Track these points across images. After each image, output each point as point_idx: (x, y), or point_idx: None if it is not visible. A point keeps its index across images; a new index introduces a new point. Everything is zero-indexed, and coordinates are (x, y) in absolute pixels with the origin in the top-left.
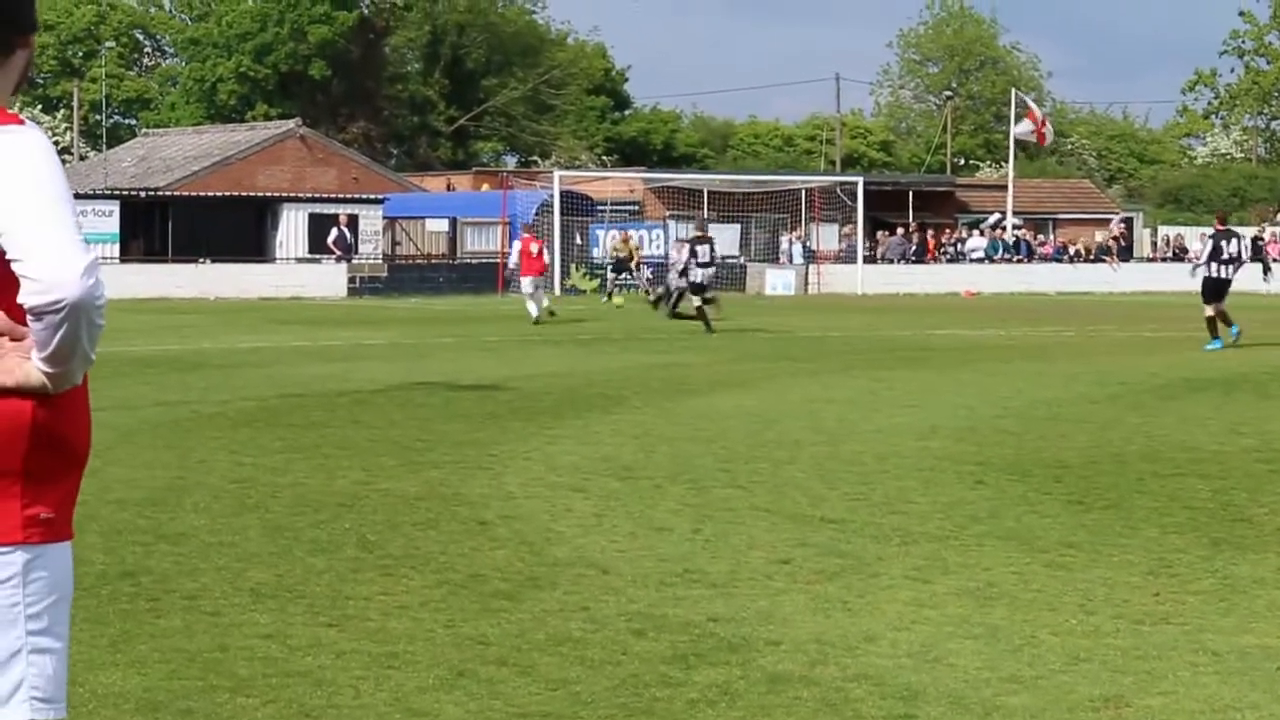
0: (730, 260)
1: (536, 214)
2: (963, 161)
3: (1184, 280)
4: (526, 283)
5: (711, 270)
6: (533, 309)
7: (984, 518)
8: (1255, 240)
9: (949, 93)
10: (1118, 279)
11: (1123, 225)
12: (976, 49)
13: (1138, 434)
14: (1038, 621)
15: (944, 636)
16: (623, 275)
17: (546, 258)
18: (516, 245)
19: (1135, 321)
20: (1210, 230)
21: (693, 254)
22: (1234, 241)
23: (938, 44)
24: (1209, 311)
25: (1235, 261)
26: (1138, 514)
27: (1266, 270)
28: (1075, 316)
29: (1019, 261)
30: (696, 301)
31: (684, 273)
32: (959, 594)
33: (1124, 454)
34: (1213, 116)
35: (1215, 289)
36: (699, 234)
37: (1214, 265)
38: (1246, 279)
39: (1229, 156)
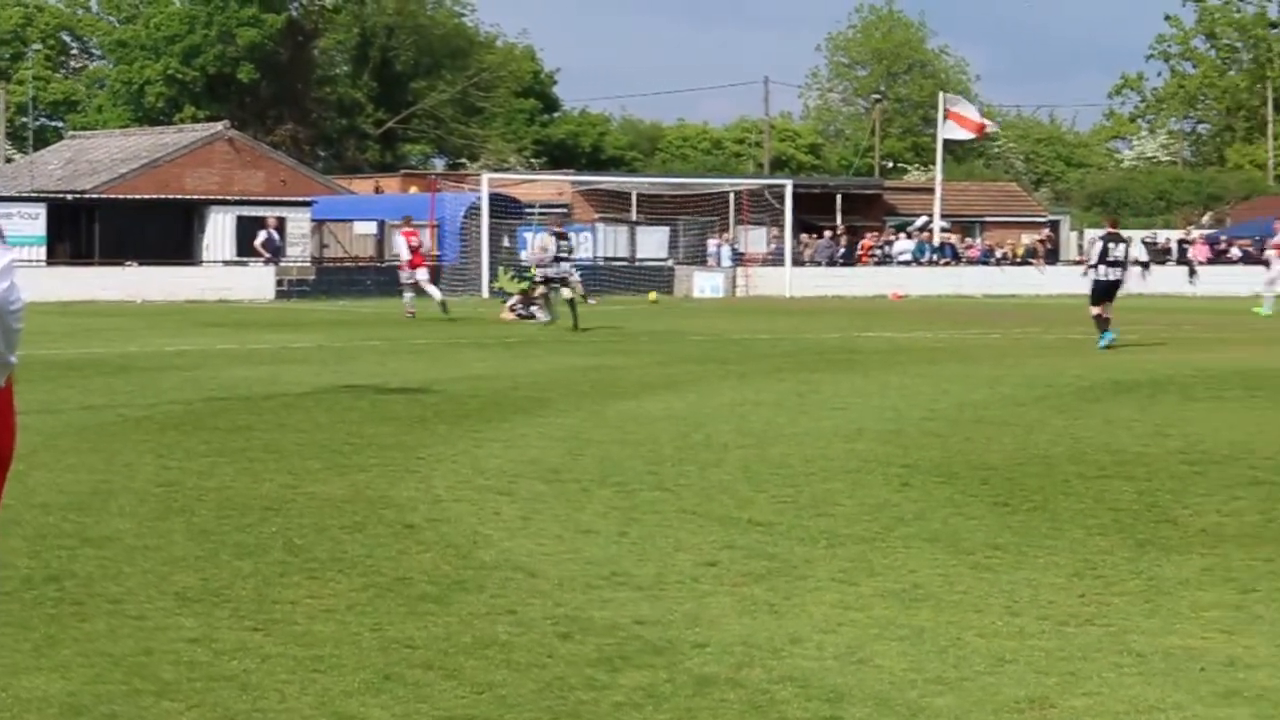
0: (659, 262)
1: (465, 216)
2: (891, 164)
3: None
4: (407, 276)
5: (566, 265)
6: (435, 294)
7: (910, 520)
8: (1181, 244)
9: (877, 96)
10: (1044, 281)
11: (1047, 231)
12: (905, 52)
13: (1063, 436)
14: (963, 623)
15: (870, 638)
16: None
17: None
18: (399, 240)
19: (1062, 324)
20: (1101, 232)
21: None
22: (1121, 245)
23: (866, 47)
24: (1095, 311)
25: (1122, 264)
26: (1063, 516)
27: (1192, 273)
28: (1002, 319)
29: (946, 264)
30: (568, 294)
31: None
32: (885, 596)
33: (1050, 456)
34: (1139, 120)
35: (1104, 290)
36: (557, 231)
37: (1102, 267)
38: (1173, 282)
39: (1155, 160)
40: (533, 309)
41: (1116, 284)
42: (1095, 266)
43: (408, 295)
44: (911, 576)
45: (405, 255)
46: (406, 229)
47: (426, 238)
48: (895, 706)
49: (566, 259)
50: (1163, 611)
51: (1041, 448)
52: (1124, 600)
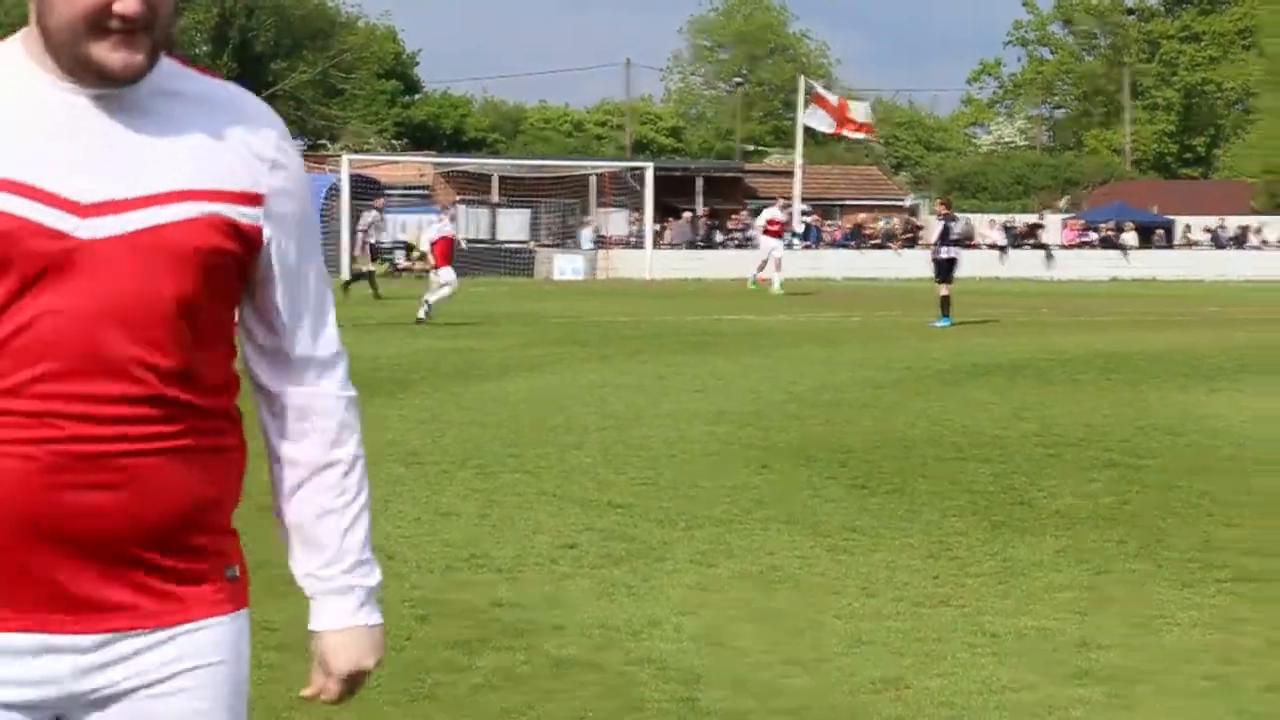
0: (520, 244)
1: (326, 197)
2: (752, 148)
3: (967, 266)
4: None
5: None
6: None
7: (769, 502)
8: (1035, 227)
9: (739, 79)
10: (904, 264)
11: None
12: (766, 36)
13: (922, 419)
14: (820, 605)
15: (727, 620)
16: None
17: None
18: None
19: (920, 306)
20: (940, 216)
21: None
22: (957, 224)
23: (728, 30)
24: (944, 291)
25: (959, 243)
26: (920, 498)
27: (1049, 257)
28: (862, 302)
29: (807, 247)
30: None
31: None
32: (743, 578)
33: (908, 438)
34: (997, 105)
35: (943, 269)
36: None
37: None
38: (1030, 266)
39: (1013, 144)
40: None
41: (953, 261)
42: (937, 247)
43: None
44: (769, 558)
45: None
46: None
47: None
48: (752, 688)
49: None
50: (1017, 592)
51: (900, 430)
52: (979, 581)
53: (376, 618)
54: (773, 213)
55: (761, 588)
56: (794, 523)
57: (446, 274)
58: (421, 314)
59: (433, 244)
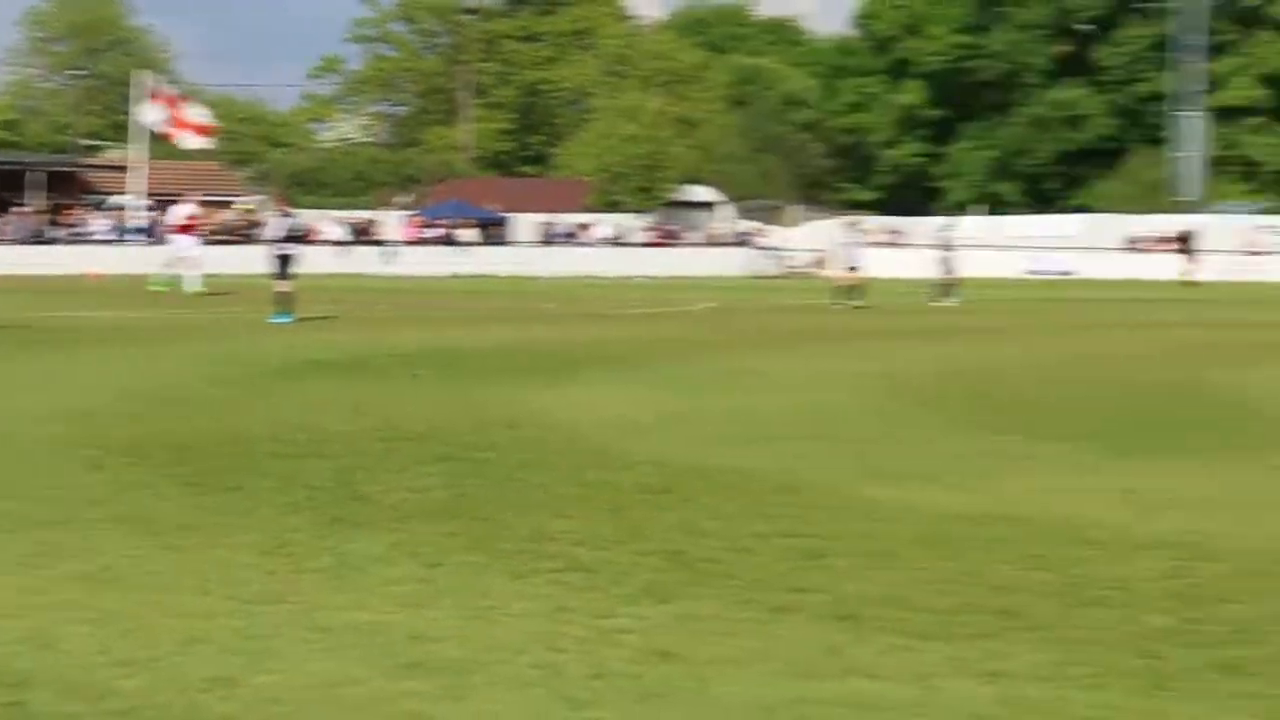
0: None
1: None
2: (92, 142)
3: (307, 263)
4: None
5: None
6: None
7: (101, 501)
8: (373, 223)
9: (77, 72)
10: (245, 260)
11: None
12: (104, 28)
13: (261, 415)
14: (153, 604)
15: (57, 622)
16: None
17: None
18: None
19: (261, 303)
20: (278, 212)
21: None
22: (296, 220)
23: (63, 22)
24: (284, 287)
25: (298, 239)
26: (257, 495)
27: (388, 253)
28: (204, 298)
29: (153, 243)
30: None
31: None
32: (73, 579)
33: (247, 436)
34: (339, 102)
35: (283, 265)
36: None
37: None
38: (371, 262)
39: (354, 141)
40: None
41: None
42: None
43: None
44: (101, 559)
45: None
46: None
47: None
48: (82, 689)
49: None
50: (351, 587)
51: (239, 427)
52: (314, 577)
53: None
54: (190, 209)
55: (93, 588)
56: (127, 522)
57: None
58: None
59: None
